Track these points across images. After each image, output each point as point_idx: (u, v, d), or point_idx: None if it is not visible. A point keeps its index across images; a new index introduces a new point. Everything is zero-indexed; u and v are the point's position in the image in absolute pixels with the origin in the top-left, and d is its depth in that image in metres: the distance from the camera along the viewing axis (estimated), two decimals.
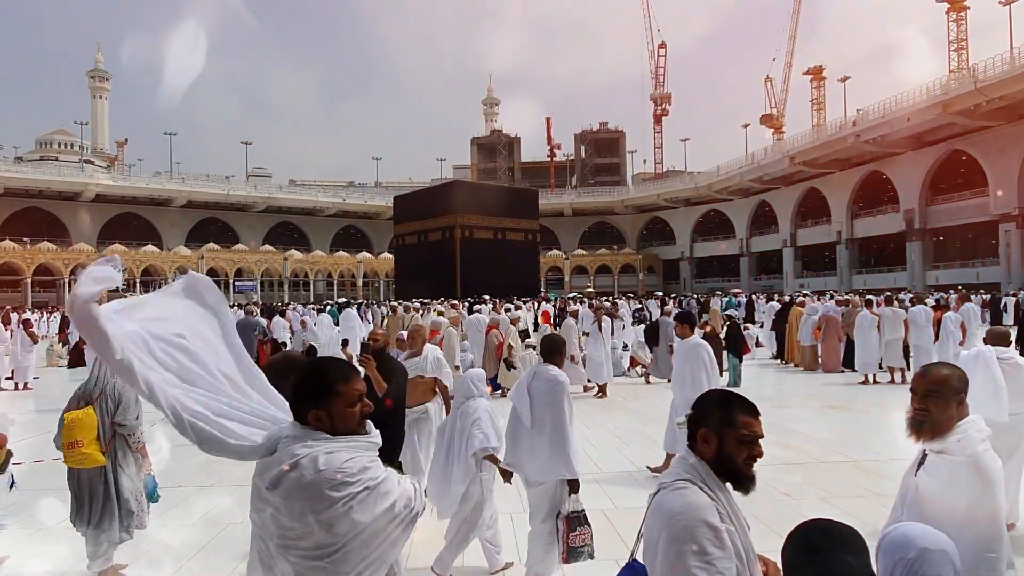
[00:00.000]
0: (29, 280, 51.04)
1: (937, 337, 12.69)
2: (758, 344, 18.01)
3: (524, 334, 17.07)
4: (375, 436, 1.95)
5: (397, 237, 49.43)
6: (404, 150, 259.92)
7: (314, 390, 1.86)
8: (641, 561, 1.91)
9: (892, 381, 12.74)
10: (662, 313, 15.86)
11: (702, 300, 32.86)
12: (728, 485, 1.83)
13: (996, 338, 5.20)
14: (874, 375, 12.84)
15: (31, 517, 5.66)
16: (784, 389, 12.77)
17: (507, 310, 18.18)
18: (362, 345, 4.93)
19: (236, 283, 60.09)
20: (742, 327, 14.91)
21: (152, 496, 4.52)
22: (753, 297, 32.53)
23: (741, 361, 12.75)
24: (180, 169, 73.55)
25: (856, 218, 55.42)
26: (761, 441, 1.85)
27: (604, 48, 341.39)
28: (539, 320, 21.69)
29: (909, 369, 12.68)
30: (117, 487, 4.32)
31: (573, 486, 4.00)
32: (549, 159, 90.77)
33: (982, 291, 31.50)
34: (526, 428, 4.12)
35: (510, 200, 47.39)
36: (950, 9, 58.00)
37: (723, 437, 1.82)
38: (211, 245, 61.31)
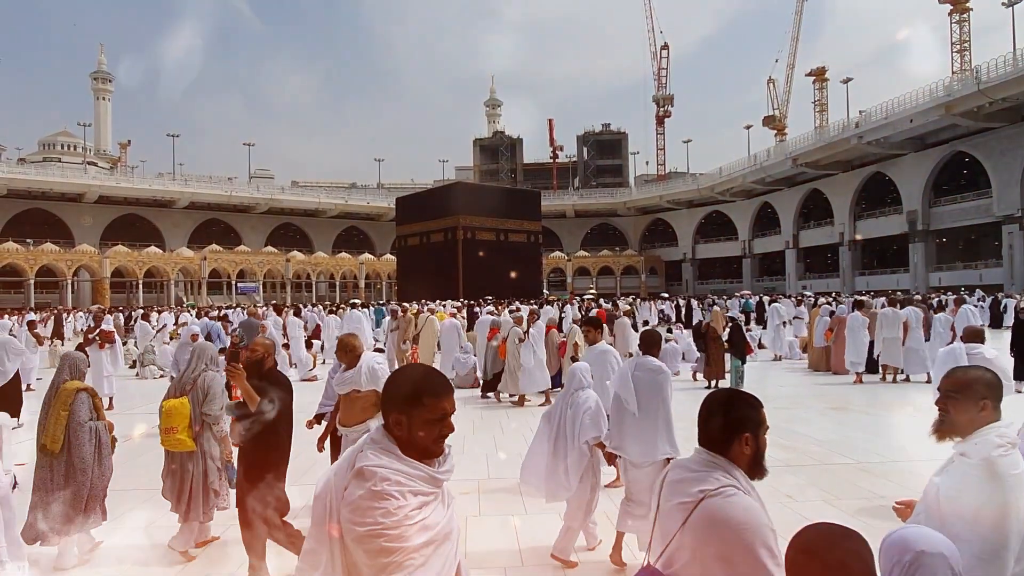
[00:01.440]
0: (32, 281, 51.15)
1: (928, 338, 13.30)
2: (760, 346, 18.01)
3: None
4: (445, 469, 1.86)
5: (399, 238, 49.48)
6: (406, 151, 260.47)
7: (400, 394, 1.84)
8: (659, 568, 1.93)
9: (883, 380, 12.98)
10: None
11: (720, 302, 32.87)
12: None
13: (970, 336, 6.44)
14: (859, 374, 13.09)
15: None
16: (787, 390, 12.75)
17: (511, 312, 18.17)
18: (232, 353, 4.55)
19: (239, 284, 60.20)
20: (744, 328, 14.91)
21: (232, 480, 4.86)
22: (765, 299, 32.52)
23: (744, 362, 12.73)
24: (183, 170, 73.86)
25: (859, 219, 55.35)
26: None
27: (607, 50, 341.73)
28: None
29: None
30: (205, 471, 4.81)
31: None
32: (551, 160, 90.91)
33: (965, 292, 31.28)
34: (630, 414, 4.50)
35: (512, 201, 47.43)
36: (953, 10, 57.93)
37: (758, 436, 1.97)
38: (213, 246, 61.37)
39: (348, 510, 1.70)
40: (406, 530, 1.68)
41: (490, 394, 12.01)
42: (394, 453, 1.77)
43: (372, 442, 1.81)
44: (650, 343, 4.88)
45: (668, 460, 4.32)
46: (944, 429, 2.33)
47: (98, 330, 12.44)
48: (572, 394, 4.76)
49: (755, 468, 1.96)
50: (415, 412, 1.79)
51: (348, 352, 4.86)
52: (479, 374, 13.47)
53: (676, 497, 1.94)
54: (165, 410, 4.75)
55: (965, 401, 2.30)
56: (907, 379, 13.11)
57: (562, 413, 4.73)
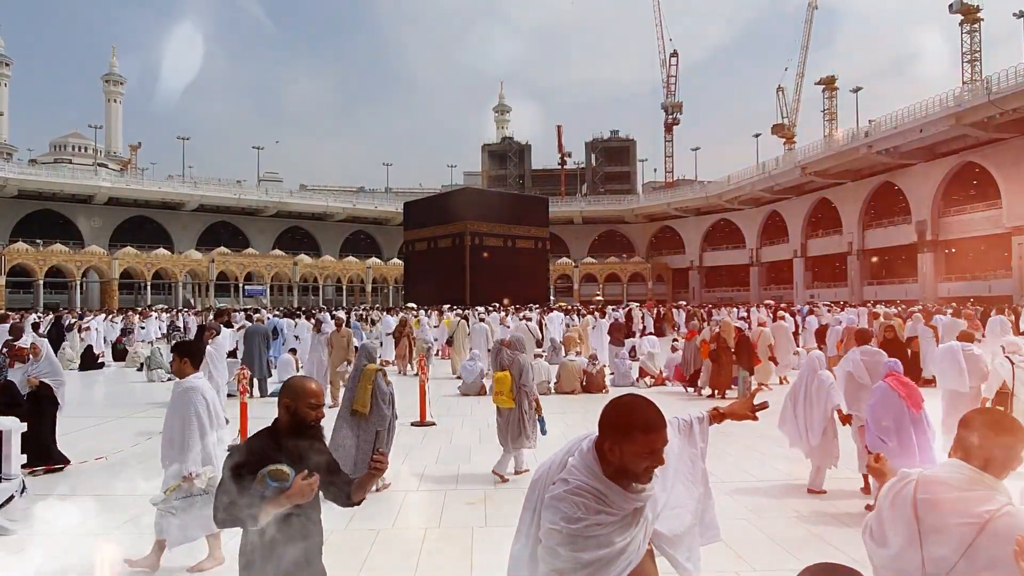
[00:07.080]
0: (41, 281, 51.48)
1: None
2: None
3: (538, 343, 17.03)
4: (642, 493, 1.97)
5: (407, 243, 49.62)
6: (415, 156, 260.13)
7: (613, 425, 1.98)
8: None
9: None
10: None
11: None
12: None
13: (963, 337, 7.88)
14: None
15: (47, 524, 5.60)
16: None
17: (524, 318, 18.19)
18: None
19: (246, 287, 60.40)
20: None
21: (543, 429, 7.34)
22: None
23: (752, 373, 12.69)
24: (192, 173, 74.24)
25: (867, 229, 55.10)
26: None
27: (616, 57, 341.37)
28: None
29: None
30: (520, 419, 7.21)
31: None
32: (560, 167, 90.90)
33: (961, 303, 30.90)
34: (862, 387, 6.48)
35: (520, 207, 47.53)
36: (964, 21, 57.81)
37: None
38: (222, 249, 61.72)
39: (544, 505, 1.97)
40: (582, 541, 1.85)
41: (690, 388, 13.63)
42: (595, 471, 1.94)
43: (581, 453, 2.00)
44: (864, 338, 7.04)
45: None
46: None
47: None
48: (812, 374, 6.80)
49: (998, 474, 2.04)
50: (626, 445, 1.91)
51: None
52: (484, 381, 13.48)
53: (952, 517, 1.95)
54: (495, 379, 7.41)
55: None
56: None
57: (807, 389, 6.79)
